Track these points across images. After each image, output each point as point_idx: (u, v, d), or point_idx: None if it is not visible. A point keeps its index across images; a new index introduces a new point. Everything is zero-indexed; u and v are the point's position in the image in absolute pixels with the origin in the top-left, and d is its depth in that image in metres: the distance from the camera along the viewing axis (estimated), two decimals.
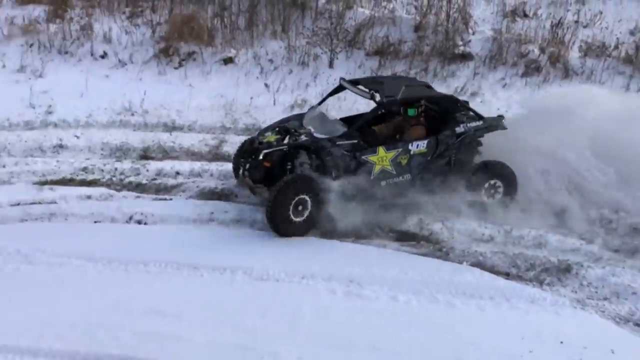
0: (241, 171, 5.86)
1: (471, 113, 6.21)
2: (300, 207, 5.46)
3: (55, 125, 8.03)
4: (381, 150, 5.77)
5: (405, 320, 4.49)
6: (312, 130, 5.79)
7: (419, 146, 5.89)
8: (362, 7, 11.61)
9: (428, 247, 5.66)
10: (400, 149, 5.83)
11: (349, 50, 10.58)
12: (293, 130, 5.81)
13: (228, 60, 10.46)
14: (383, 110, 6.09)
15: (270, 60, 10.54)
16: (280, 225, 5.44)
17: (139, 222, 5.74)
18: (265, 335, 4.18)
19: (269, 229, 5.62)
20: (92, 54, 10.55)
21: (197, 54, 10.57)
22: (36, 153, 7.16)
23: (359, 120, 5.99)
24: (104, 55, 10.50)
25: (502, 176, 6.12)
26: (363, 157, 5.71)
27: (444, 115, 6.25)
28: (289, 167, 5.65)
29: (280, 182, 5.36)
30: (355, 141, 5.73)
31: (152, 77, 9.95)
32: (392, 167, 5.84)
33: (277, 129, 5.96)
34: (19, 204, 5.90)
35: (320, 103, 6.52)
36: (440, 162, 6.04)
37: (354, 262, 5.12)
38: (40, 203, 5.90)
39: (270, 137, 5.79)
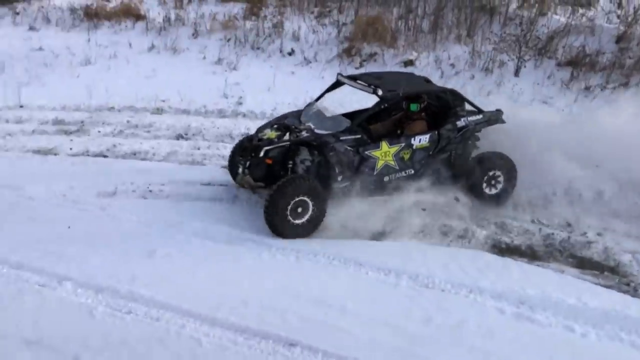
0: (240, 170, 5.68)
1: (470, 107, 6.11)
2: (300, 209, 5.29)
3: (244, 116, 8.64)
4: (384, 145, 5.63)
5: (579, 353, 4.09)
6: (312, 126, 5.60)
7: (421, 140, 5.80)
8: (556, 14, 10.89)
9: (613, 279, 5.12)
10: (403, 144, 5.73)
11: (538, 58, 10.00)
12: (293, 127, 5.63)
13: (408, 63, 10.45)
14: (386, 105, 5.87)
15: (452, 65, 10.32)
16: (278, 227, 5.29)
17: None
18: (426, 343, 4.07)
19: (437, 237, 5.53)
20: (280, 51, 11.18)
21: (378, 55, 10.70)
22: (226, 139, 7.74)
23: (361, 115, 5.85)
24: (291, 53, 11.08)
25: (501, 167, 6.08)
26: (366, 152, 5.56)
27: (444, 109, 6.13)
28: (290, 164, 5.56)
29: (278, 183, 5.23)
30: (359, 136, 5.55)
31: (333, 75, 10.20)
32: (395, 162, 5.74)
33: (275, 125, 5.78)
34: (209, 184, 6.41)
35: (317, 99, 6.31)
36: (441, 156, 5.95)
37: (527, 283, 4.78)
38: (226, 185, 6.36)
39: (271, 134, 5.61)
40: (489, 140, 6.34)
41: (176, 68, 10.40)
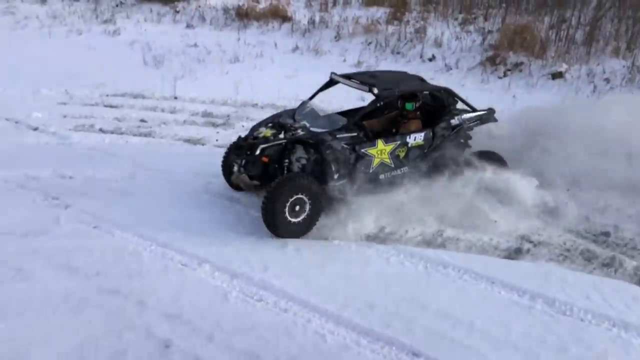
0: (236, 168, 5.60)
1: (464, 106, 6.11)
2: (297, 207, 5.17)
3: None
4: (380, 143, 5.60)
5: None
6: (307, 124, 5.56)
7: (416, 138, 5.81)
8: None
9: None
10: (398, 142, 5.73)
11: None
12: (288, 125, 5.59)
13: (557, 75, 9.86)
14: (382, 103, 5.91)
15: (607, 80, 9.57)
16: (276, 225, 5.17)
17: None
18: None
19: (580, 262, 5.15)
20: (421, 56, 11.07)
21: (525, 65, 10.22)
22: None
23: (357, 114, 5.80)
24: (432, 58, 10.92)
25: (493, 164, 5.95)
26: (362, 150, 5.51)
27: (437, 108, 6.15)
28: (285, 163, 5.47)
29: (277, 180, 5.16)
30: (355, 134, 5.53)
31: (474, 84, 9.98)
32: (390, 160, 5.71)
33: (270, 124, 5.71)
34: None
35: (311, 98, 6.16)
36: (435, 154, 5.91)
37: None
38: None
39: (266, 132, 5.55)
40: None
41: (317, 69, 10.66)
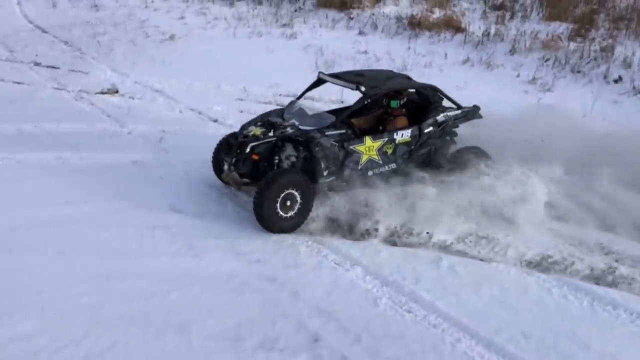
0: (226, 167, 5.63)
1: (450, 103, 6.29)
2: (288, 202, 5.20)
3: None
4: (368, 140, 5.72)
5: None
6: (297, 123, 5.61)
7: (403, 135, 5.94)
8: None
9: None
10: (386, 139, 5.84)
11: None
12: (278, 123, 5.62)
13: None
14: (369, 101, 5.98)
15: None
16: (268, 221, 5.22)
17: None
18: None
19: None
20: (605, 77, 10.22)
21: None
22: None
23: (345, 112, 5.88)
24: (618, 80, 10.03)
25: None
26: (351, 147, 5.62)
27: (423, 105, 6.28)
28: (276, 160, 5.53)
29: (267, 175, 5.27)
30: (344, 131, 5.66)
31: None
32: (378, 157, 5.83)
33: (260, 123, 5.74)
34: None
35: (299, 97, 6.33)
36: (422, 150, 6.08)
37: None
38: None
39: (256, 130, 5.59)
40: None
41: (487, 82, 10.33)
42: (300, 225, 5.46)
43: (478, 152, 6.24)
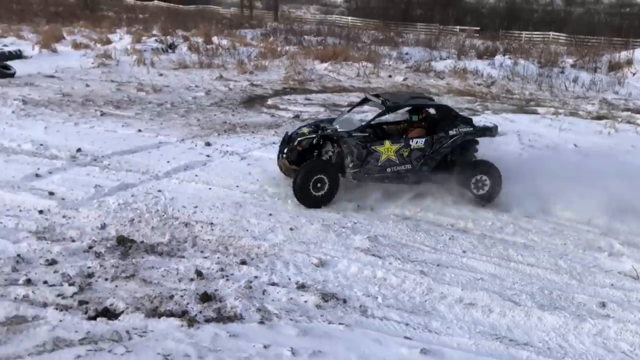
0: (280, 155, 7.42)
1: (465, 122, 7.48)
2: (319, 185, 6.81)
3: None
4: (387, 142, 7.12)
5: None
6: (338, 127, 7.28)
7: (417, 142, 7.21)
8: None
9: None
10: (402, 143, 7.17)
11: None
12: (323, 126, 7.45)
13: None
14: (390, 112, 7.48)
15: None
16: (303, 197, 6.81)
17: None
18: None
19: None
20: None
21: None
22: None
23: (370, 120, 7.40)
24: None
25: (488, 173, 7.27)
26: (372, 146, 7.02)
27: (442, 122, 7.48)
28: (316, 153, 7.22)
29: (304, 164, 6.93)
30: (367, 134, 7.14)
31: None
32: (396, 157, 7.13)
33: (312, 125, 7.66)
34: None
35: (349, 110, 8.26)
36: (437, 157, 7.30)
37: None
38: None
39: (304, 130, 7.45)
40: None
41: None
42: (327, 203, 6.94)
43: (490, 166, 7.35)
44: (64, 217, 6.01)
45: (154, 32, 25.09)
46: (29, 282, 4.63)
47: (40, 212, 6.04)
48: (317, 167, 6.94)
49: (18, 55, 16.55)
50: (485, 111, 13.47)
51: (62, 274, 4.81)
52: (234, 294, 4.68)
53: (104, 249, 5.34)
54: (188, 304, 4.49)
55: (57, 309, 4.26)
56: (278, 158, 7.63)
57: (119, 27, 26.87)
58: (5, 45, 18.15)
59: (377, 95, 7.83)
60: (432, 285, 5.11)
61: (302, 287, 4.94)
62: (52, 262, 5.00)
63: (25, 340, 3.87)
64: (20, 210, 6.05)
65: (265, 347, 3.97)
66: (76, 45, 19.53)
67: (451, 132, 7.34)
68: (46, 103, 11.37)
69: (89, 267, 4.95)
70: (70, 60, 16.78)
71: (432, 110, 7.75)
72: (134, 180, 7.24)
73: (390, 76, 18.18)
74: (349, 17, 46.84)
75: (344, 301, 4.77)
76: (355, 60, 19.46)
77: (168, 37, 22.11)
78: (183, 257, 5.34)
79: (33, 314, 4.19)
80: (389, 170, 7.18)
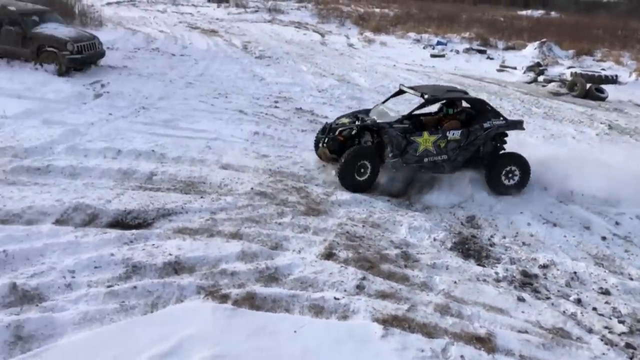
0: (321, 144, 7.82)
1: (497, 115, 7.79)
2: (362, 170, 7.28)
3: None
4: (425, 134, 7.49)
5: None
6: (375, 118, 7.66)
7: (454, 134, 7.57)
8: None
9: None
10: (440, 135, 7.53)
11: None
12: (361, 117, 7.85)
13: None
14: (428, 104, 7.71)
15: None
16: (348, 182, 7.27)
17: None
18: None
19: None
20: None
21: None
22: None
23: (409, 112, 7.70)
24: None
25: (518, 164, 7.70)
26: (411, 137, 7.39)
27: (476, 114, 7.87)
28: (356, 142, 7.59)
29: (349, 150, 7.32)
30: (406, 126, 7.45)
31: None
32: (433, 148, 7.51)
33: (351, 116, 8.05)
34: None
35: (383, 102, 8.48)
36: (471, 148, 7.69)
37: None
38: None
39: (345, 120, 7.92)
40: None
41: None
42: (369, 187, 7.44)
43: (519, 157, 7.79)
44: (626, 251, 6.18)
45: None
46: (578, 301, 4.90)
47: (603, 238, 6.42)
48: (362, 153, 7.37)
49: (613, 80, 17.40)
50: None
51: (613, 307, 4.89)
52: None
53: None
54: None
55: (602, 340, 4.35)
56: (317, 147, 8.14)
57: None
58: (603, 69, 19.07)
59: (411, 88, 8.22)
60: None
61: None
62: (605, 292, 5.17)
63: (565, 356, 4.03)
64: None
65: None
66: None
67: (485, 125, 7.73)
68: (632, 132, 11.47)
69: None
70: None
71: (465, 104, 8.15)
72: None
73: None
74: None
75: None
76: None
77: None
78: None
79: (578, 334, 4.37)
80: (426, 160, 7.56)
